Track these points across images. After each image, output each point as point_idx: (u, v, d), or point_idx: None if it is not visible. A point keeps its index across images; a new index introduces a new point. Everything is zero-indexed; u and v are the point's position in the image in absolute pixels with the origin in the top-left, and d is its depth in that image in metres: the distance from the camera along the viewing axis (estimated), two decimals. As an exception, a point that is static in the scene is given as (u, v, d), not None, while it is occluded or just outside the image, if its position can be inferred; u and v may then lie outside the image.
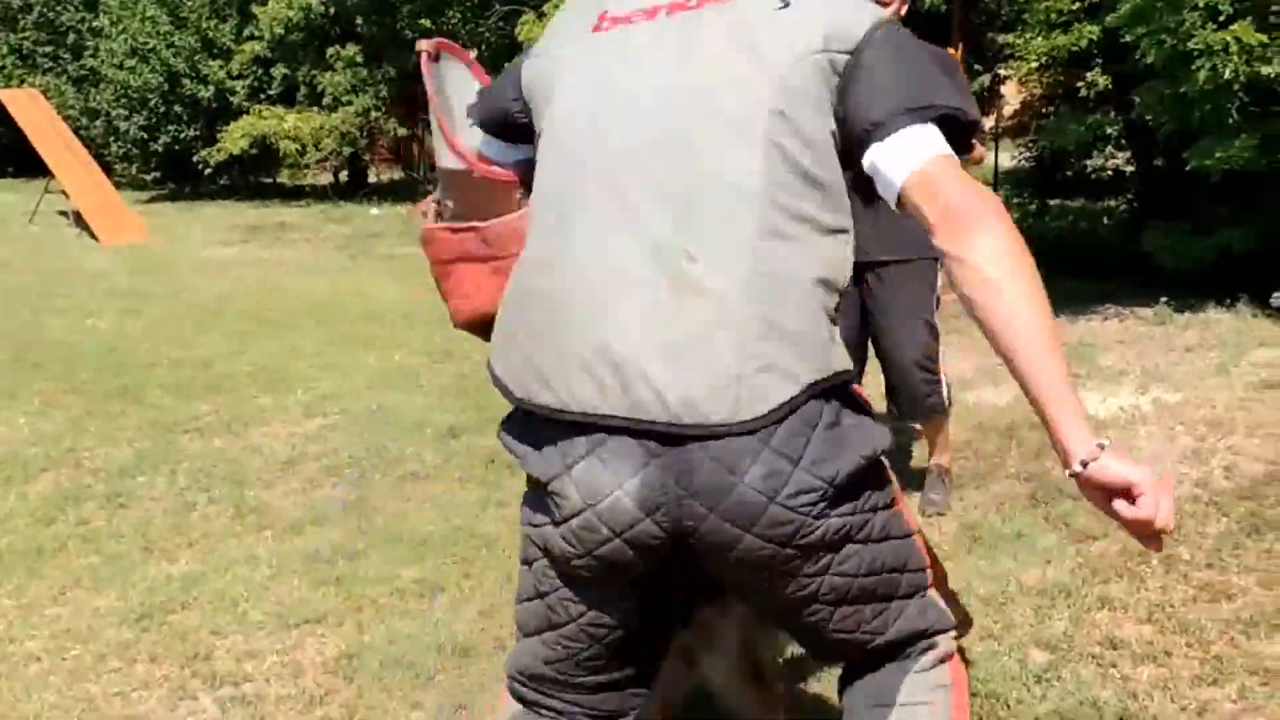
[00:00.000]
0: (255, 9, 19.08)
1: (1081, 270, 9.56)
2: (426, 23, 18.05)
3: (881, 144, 1.76)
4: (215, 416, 6.47)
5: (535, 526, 1.91)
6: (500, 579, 4.14)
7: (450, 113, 2.19)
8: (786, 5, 1.80)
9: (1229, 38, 6.97)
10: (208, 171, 20.50)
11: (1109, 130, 9.84)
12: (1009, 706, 3.22)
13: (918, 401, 4.61)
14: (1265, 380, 6.17)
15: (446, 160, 2.16)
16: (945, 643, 2.05)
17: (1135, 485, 1.67)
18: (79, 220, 15.96)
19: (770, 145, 1.74)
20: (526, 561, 2.00)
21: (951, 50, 9.49)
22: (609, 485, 1.75)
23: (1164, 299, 8.05)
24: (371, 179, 22.90)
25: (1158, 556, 4.11)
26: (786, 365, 1.71)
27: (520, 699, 2.08)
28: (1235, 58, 6.94)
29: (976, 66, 16.42)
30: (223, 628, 3.85)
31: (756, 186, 1.73)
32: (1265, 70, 6.88)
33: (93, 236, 15.40)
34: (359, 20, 18.78)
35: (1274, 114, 7.51)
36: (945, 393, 4.68)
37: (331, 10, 18.49)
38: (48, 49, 25.61)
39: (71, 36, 24.37)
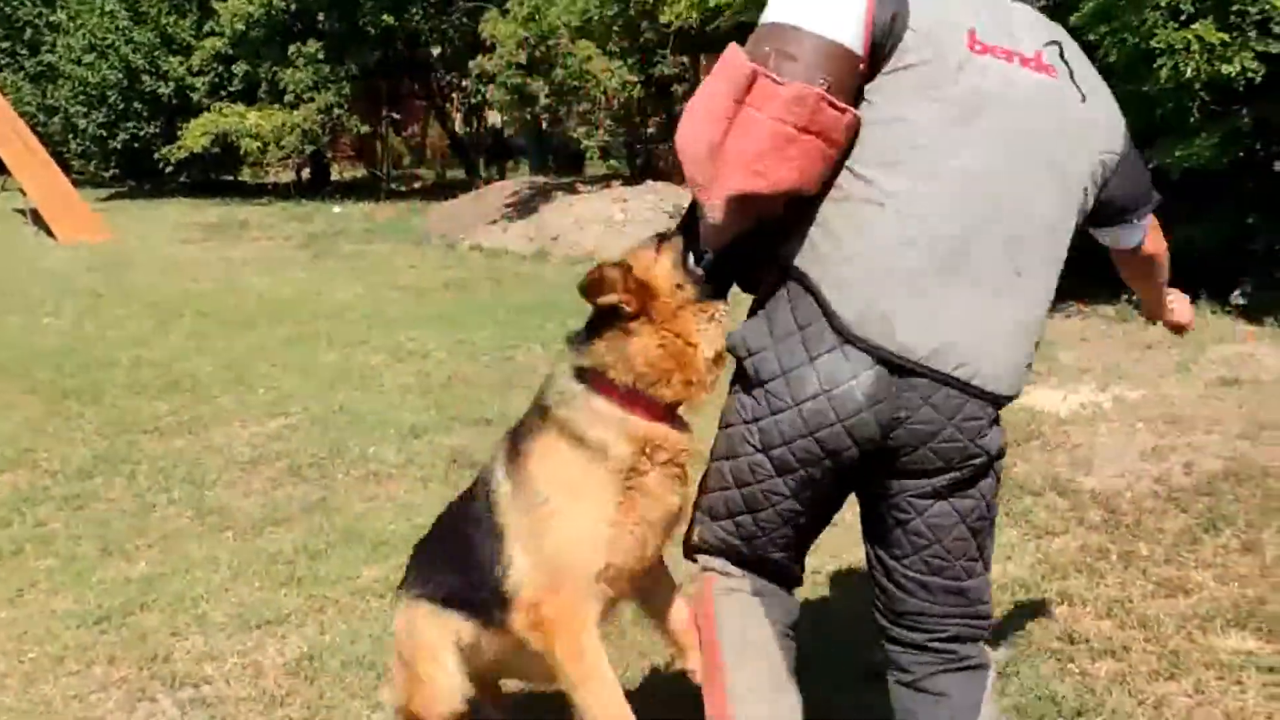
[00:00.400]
0: (215, 4, 18.93)
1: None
2: (389, 19, 17.94)
3: (1136, 221, 2.60)
4: (175, 416, 6.44)
5: (753, 421, 2.37)
6: (463, 578, 4.15)
7: None
8: (1084, 100, 2.39)
9: (1190, 36, 7.05)
10: (168, 169, 20.32)
11: (1071, 129, 9.93)
12: (969, 702, 3.27)
13: None
14: (1224, 378, 6.25)
15: (846, 36, 2.21)
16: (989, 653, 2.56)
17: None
18: (36, 218, 15.81)
19: (1070, 212, 2.38)
20: (729, 456, 2.44)
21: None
22: (847, 376, 2.25)
23: (1125, 297, 8.12)
24: (334, 177, 22.80)
25: (1116, 552, 4.17)
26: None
27: (719, 552, 2.52)
28: (1196, 56, 7.02)
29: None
30: (182, 629, 3.85)
31: (1060, 239, 2.37)
32: (1225, 69, 6.97)
33: (50, 235, 15.25)
34: (321, 16, 18.64)
35: (1234, 112, 7.60)
36: None
37: (293, 6, 18.36)
38: (4, 45, 25.29)
39: (29, 32, 24.09)
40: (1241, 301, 7.78)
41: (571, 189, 14.14)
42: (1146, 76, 7.44)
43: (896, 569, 2.46)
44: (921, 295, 2.24)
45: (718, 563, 2.53)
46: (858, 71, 2.24)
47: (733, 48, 2.27)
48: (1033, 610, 3.76)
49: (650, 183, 13.64)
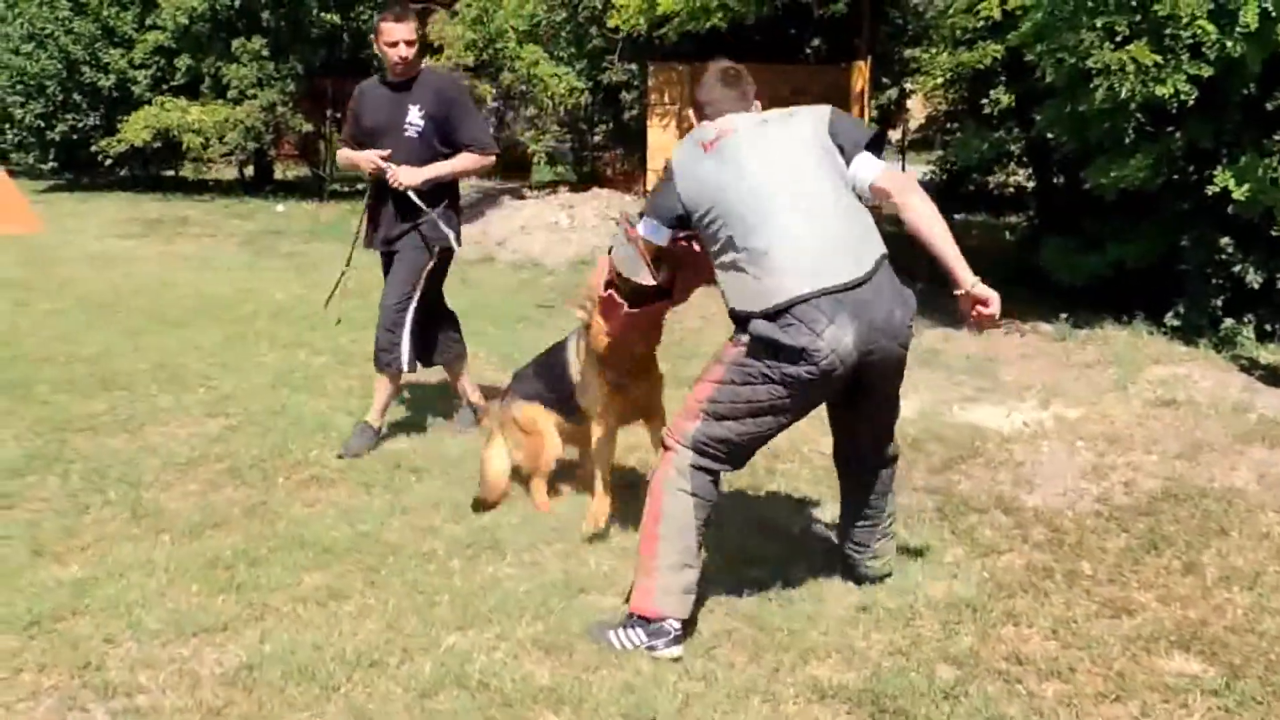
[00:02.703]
0: (158, -3, 18.56)
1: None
2: (334, 18, 17.68)
3: (864, 155, 3.76)
4: (111, 415, 6.25)
5: (778, 367, 3.49)
6: (406, 587, 4.03)
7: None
8: (791, 115, 3.85)
9: (1125, 57, 7.09)
10: (107, 162, 19.87)
11: (1011, 147, 9.96)
12: (917, 722, 3.22)
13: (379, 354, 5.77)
14: (1161, 397, 6.30)
15: (647, 279, 3.93)
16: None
17: (991, 297, 3.65)
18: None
19: (825, 156, 3.74)
20: (746, 383, 3.54)
21: (861, 65, 9.65)
22: (844, 338, 3.45)
23: (1064, 315, 8.17)
24: (277, 175, 22.45)
25: (1061, 571, 4.16)
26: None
27: (701, 452, 3.63)
28: (1131, 77, 7.07)
29: (884, 79, 16.59)
30: (116, 636, 3.69)
31: (829, 175, 3.70)
32: (1159, 90, 7.02)
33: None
34: (265, 13, 18.31)
35: (1167, 134, 7.67)
36: (403, 358, 5.73)
37: (237, 2, 18.01)
38: (-61, 32, 24.72)
39: (-36, 20, 23.53)
40: (1175, 323, 7.84)
41: (518, 194, 14.01)
42: (1083, 97, 7.49)
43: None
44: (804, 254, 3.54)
45: (684, 456, 3.63)
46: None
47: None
48: (980, 630, 3.73)
49: (596, 190, 13.54)
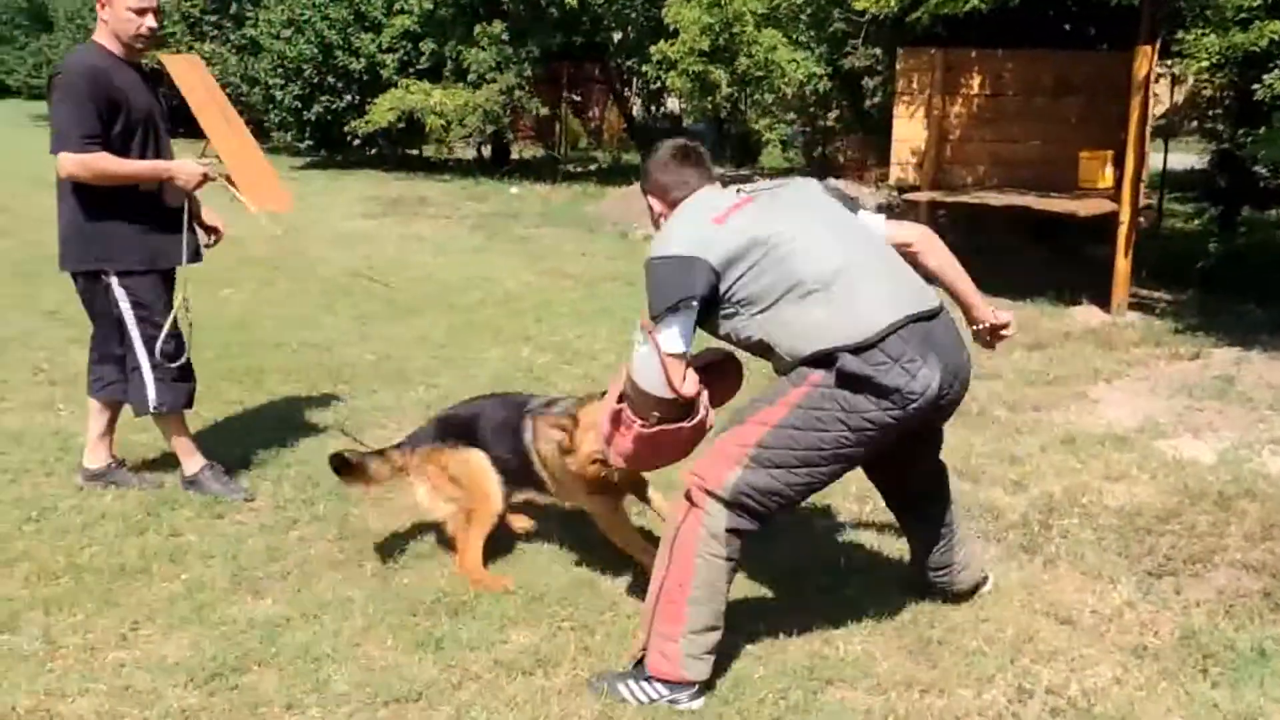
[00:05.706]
0: (407, -16, 18.55)
1: (1269, 295, 8.42)
2: (572, 2, 17.24)
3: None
4: (332, 412, 5.85)
5: (857, 412, 3.06)
6: (624, 657, 3.36)
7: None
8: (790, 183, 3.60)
9: None
10: (356, 142, 20.11)
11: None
12: None
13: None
14: None
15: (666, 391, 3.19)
16: None
17: (1010, 320, 3.58)
18: (231, 185, 15.57)
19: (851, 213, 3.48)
20: (812, 428, 3.08)
21: (1146, 49, 8.52)
22: (932, 381, 3.09)
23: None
24: (513, 155, 22.32)
25: None
26: None
27: (744, 508, 3.14)
28: None
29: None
30: (300, 699, 3.15)
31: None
32: None
33: (242, 203, 14.98)
34: (506, -2, 18.08)
35: None
36: None
37: (480, -14, 17.86)
38: (213, 18, 25.51)
39: (234, 6, 24.21)
40: None
41: (748, 181, 13.21)
42: None
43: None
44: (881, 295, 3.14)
45: (719, 517, 3.14)
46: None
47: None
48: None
49: (830, 180, 12.66)
